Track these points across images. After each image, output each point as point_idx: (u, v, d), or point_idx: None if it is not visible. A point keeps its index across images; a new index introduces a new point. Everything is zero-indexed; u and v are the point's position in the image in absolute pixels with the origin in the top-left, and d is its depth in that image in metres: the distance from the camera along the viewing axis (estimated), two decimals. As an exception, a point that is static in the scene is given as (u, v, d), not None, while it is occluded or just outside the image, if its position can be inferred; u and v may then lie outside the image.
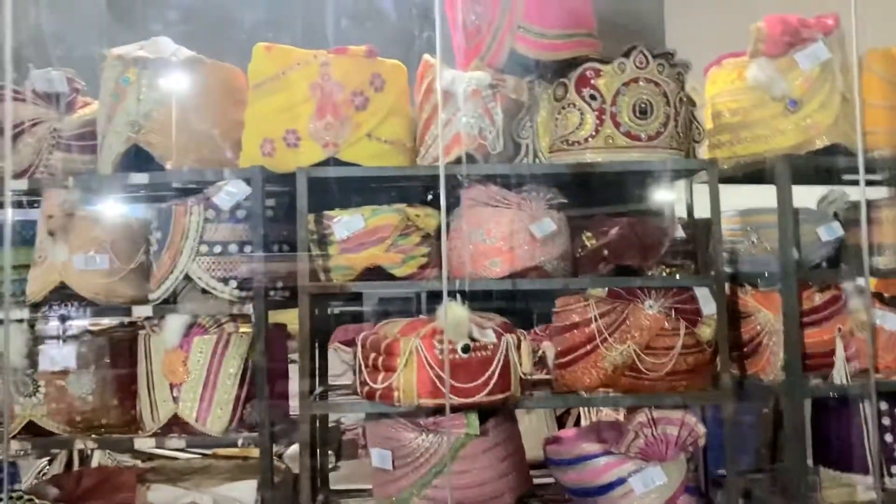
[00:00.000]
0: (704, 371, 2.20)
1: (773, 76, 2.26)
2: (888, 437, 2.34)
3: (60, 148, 2.31)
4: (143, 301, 2.21)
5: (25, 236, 2.29)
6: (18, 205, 2.32)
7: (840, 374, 2.24)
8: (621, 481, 2.04)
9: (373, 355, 2.08)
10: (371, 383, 2.07)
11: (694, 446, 2.10)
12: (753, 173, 2.33)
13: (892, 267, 2.30)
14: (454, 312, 1.98)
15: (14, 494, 2.10)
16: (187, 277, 2.13)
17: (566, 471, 2.17)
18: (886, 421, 2.36)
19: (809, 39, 2.26)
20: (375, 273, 2.17)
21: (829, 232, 2.31)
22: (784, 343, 2.22)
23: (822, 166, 2.30)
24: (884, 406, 2.34)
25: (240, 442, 2.14)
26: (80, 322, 2.26)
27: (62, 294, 2.18)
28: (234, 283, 2.13)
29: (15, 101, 2.27)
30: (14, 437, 2.18)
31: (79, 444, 2.22)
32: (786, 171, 2.20)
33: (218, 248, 2.13)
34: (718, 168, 2.27)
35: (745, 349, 2.33)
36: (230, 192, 2.12)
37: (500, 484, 2.15)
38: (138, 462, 2.55)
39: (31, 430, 2.17)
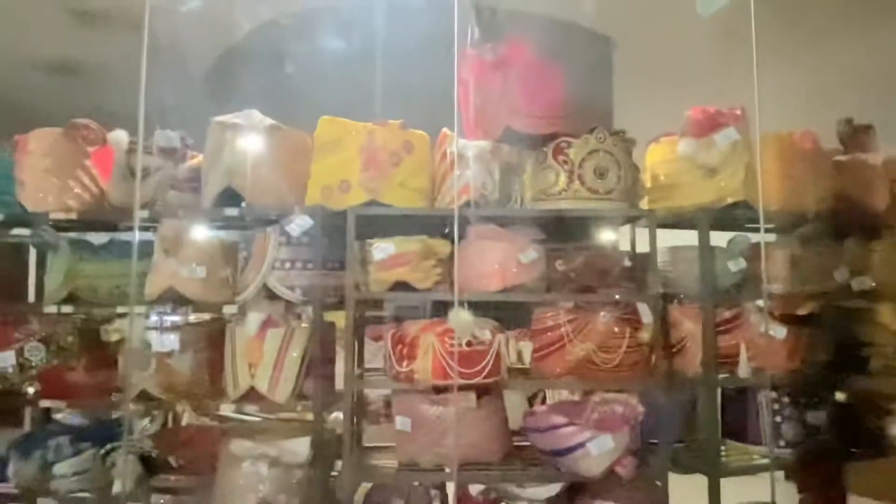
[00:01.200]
0: (643, 365, 2.23)
1: (697, 151, 2.35)
2: (777, 418, 2.43)
3: (174, 188, 2.37)
4: (229, 302, 2.29)
5: (146, 251, 2.33)
6: (143, 229, 2.37)
7: (743, 370, 2.30)
8: (581, 445, 2.06)
9: (399, 347, 2.14)
10: (398, 367, 2.12)
11: (634, 421, 2.12)
12: (681, 221, 2.42)
13: (780, 292, 2.36)
14: (461, 317, 2.07)
15: (131, 445, 2.18)
16: (265, 286, 2.21)
17: (539, 436, 2.20)
18: (776, 406, 2.45)
19: (723, 125, 2.34)
20: (402, 286, 2.21)
21: (736, 265, 2.37)
22: (702, 346, 2.28)
23: (731, 217, 2.38)
24: (773, 395, 2.42)
25: (298, 408, 2.19)
26: (183, 316, 2.32)
27: (171, 294, 2.22)
28: (299, 291, 2.20)
29: (143, 153, 2.34)
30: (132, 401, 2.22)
31: (179, 408, 2.28)
32: (705, 220, 2.31)
33: (288, 265, 2.21)
34: (655, 216, 2.33)
35: (673, 350, 2.37)
36: (298, 224, 2.19)
37: (490, 444, 2.20)
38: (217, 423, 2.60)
39: (143, 396, 2.21)
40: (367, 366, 2.58)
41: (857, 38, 3.18)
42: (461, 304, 2.09)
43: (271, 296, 2.24)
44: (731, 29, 2.11)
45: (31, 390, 2.24)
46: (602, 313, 2.23)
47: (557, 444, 2.14)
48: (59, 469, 2.26)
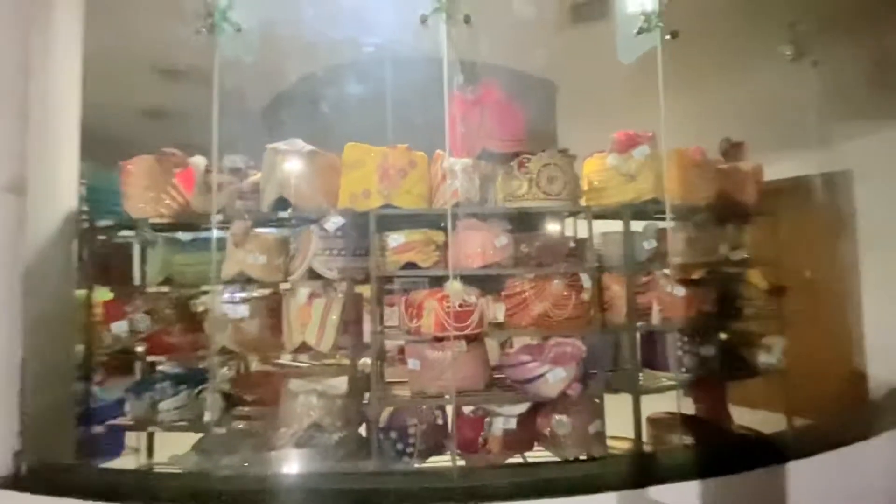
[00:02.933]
0: (584, 317, 2.23)
1: (620, 163, 2.34)
2: (679, 352, 2.44)
3: (240, 198, 2.31)
4: (283, 280, 2.22)
5: (220, 245, 2.30)
6: (218, 229, 2.32)
7: (654, 319, 2.32)
8: (541, 376, 2.09)
9: (409, 309, 2.13)
10: (409, 324, 2.12)
11: (579, 357, 2.14)
12: (609, 214, 2.40)
13: (679, 263, 2.38)
14: (455, 286, 2.05)
15: (216, 386, 2.14)
16: (310, 268, 2.17)
17: (511, 370, 2.21)
18: (678, 343, 2.46)
19: (639, 143, 2.33)
20: (410, 265, 2.19)
21: (649, 244, 2.38)
22: (626, 303, 2.29)
23: (645, 210, 2.36)
24: (676, 335, 2.44)
25: (338, 355, 2.17)
26: (250, 292, 2.27)
27: (241, 276, 2.18)
28: (335, 271, 2.17)
29: (217, 172, 2.30)
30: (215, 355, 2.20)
31: (249, 358, 2.24)
32: (627, 213, 2.30)
33: (326, 252, 2.16)
34: (591, 211, 2.31)
35: (605, 306, 2.37)
36: (334, 222, 2.16)
37: (476, 377, 2.20)
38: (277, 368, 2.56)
39: (223, 351, 2.18)
40: (386, 324, 2.54)
41: (735, 76, 3.19)
42: (455, 277, 2.06)
43: (314, 275, 2.20)
44: (645, 70, 2.09)
45: (140, 349, 2.18)
46: (555, 281, 2.22)
47: (524, 375, 2.15)
48: (163, 406, 2.22)
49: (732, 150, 2.63)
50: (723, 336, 2.51)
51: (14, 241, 2.02)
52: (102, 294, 2.36)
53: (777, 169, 2.86)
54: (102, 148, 2.42)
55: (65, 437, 2.19)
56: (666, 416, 2.43)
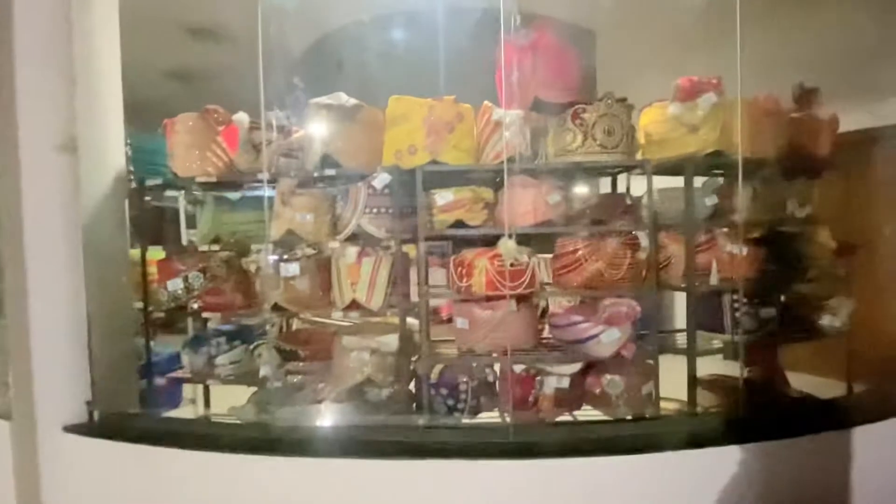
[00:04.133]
0: (640, 277, 2.15)
1: (683, 112, 2.18)
2: (737, 313, 2.35)
3: (285, 156, 2.26)
4: (332, 239, 2.18)
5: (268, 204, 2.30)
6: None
7: (713, 279, 2.23)
8: (595, 336, 2.05)
9: (459, 268, 2.08)
10: (459, 283, 2.08)
11: (634, 318, 2.07)
12: (669, 168, 2.26)
13: (740, 220, 2.23)
14: (508, 245, 1.99)
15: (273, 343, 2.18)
16: (358, 226, 2.13)
17: (561, 330, 2.17)
18: (736, 304, 2.36)
19: (704, 91, 2.16)
20: (459, 224, 2.14)
21: (710, 200, 2.27)
22: (684, 262, 2.21)
23: (706, 164, 2.21)
24: (735, 296, 2.34)
25: (388, 313, 2.15)
26: (300, 250, 2.26)
27: (290, 235, 2.16)
28: (384, 229, 2.12)
29: (258, 130, 2.25)
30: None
31: (302, 315, 2.26)
32: (691, 167, 2.17)
33: (375, 210, 2.11)
34: (651, 165, 2.17)
35: (662, 266, 2.28)
36: (381, 179, 2.10)
37: (525, 336, 2.16)
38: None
39: (275, 308, 2.19)
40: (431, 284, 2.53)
41: (805, 20, 2.88)
42: (508, 235, 1.99)
43: (362, 233, 2.16)
44: (695, 15, 1.90)
45: (195, 306, 2.23)
46: (610, 240, 2.11)
47: (577, 335, 2.10)
48: (219, 360, 2.29)
49: (806, 97, 2.40)
50: (784, 297, 2.39)
51: (72, 200, 2.06)
52: (155, 253, 2.41)
53: (851, 119, 2.61)
54: (132, 110, 2.38)
55: (129, 389, 2.30)
56: (718, 377, 2.37)
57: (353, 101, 2.16)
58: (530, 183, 2.14)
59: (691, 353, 2.17)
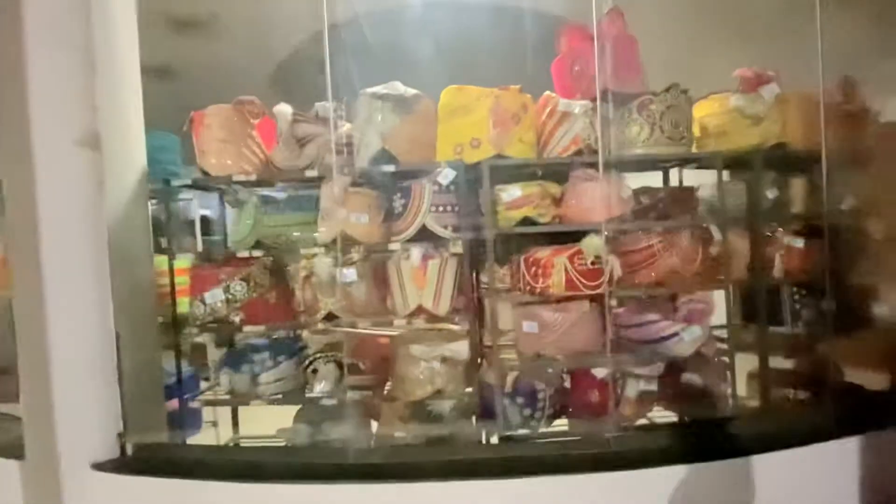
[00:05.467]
0: (713, 272, 2.09)
1: (747, 103, 2.15)
2: (796, 306, 2.33)
3: (333, 151, 2.08)
4: (391, 241, 2.01)
5: (308, 205, 2.09)
6: (306, 186, 2.13)
7: (777, 272, 2.18)
8: (676, 335, 1.97)
9: (533, 268, 1.97)
10: (533, 284, 1.96)
11: (711, 314, 2.03)
12: (728, 161, 2.17)
13: (798, 213, 2.24)
14: (594, 242, 1.88)
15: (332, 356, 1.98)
16: (423, 226, 1.97)
17: (634, 330, 2.08)
18: (796, 297, 2.34)
19: (767, 82, 2.14)
20: (527, 221, 2.01)
21: (771, 193, 2.22)
22: (751, 256, 2.15)
23: (772, 156, 2.16)
24: (794, 290, 2.31)
25: (456, 319, 2.01)
26: (355, 254, 2.06)
27: (343, 237, 1.97)
28: (449, 228, 1.98)
29: (304, 123, 2.06)
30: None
31: (361, 324, 2.07)
32: (759, 159, 2.12)
33: (440, 208, 1.97)
34: (721, 157, 2.08)
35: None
36: (446, 175, 1.95)
37: (597, 337, 2.03)
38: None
39: (328, 318, 2.04)
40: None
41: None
42: (595, 233, 1.89)
43: (425, 234, 2.00)
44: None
45: (236, 319, 2.00)
46: (683, 233, 2.04)
47: (653, 334, 2.03)
48: (263, 378, 2.06)
49: (852, 89, 2.42)
50: (838, 289, 2.38)
51: (96, 202, 1.79)
52: (180, 261, 2.15)
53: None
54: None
55: (158, 416, 2.04)
56: (776, 371, 2.33)
57: (411, 91, 2.01)
58: (597, 176, 2.03)
59: (763, 349, 2.12)
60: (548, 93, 2.12)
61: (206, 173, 2.09)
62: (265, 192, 2.17)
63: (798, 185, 2.24)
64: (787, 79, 2.19)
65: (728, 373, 2.06)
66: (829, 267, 2.26)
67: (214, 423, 2.63)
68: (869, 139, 2.39)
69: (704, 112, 2.31)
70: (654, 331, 2.02)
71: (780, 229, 2.24)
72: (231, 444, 2.33)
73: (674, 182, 2.39)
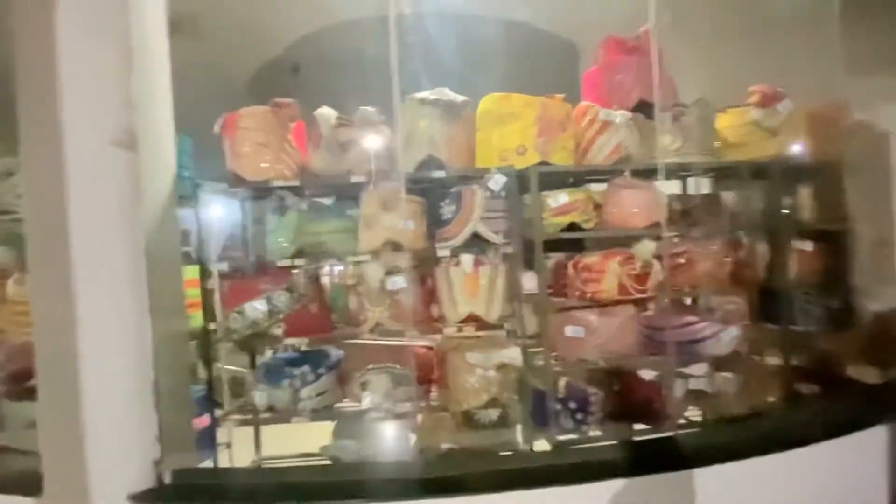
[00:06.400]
0: (743, 276, 2.17)
1: (764, 117, 2.28)
2: (808, 306, 2.45)
3: (374, 157, 2.02)
4: (439, 247, 1.97)
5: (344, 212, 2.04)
6: (343, 193, 2.06)
7: (791, 275, 2.31)
8: (714, 335, 2.03)
9: (584, 273, 2.00)
10: (583, 288, 2.00)
11: (744, 315, 2.12)
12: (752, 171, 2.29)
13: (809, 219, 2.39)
14: (647, 246, 1.93)
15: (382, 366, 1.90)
16: (475, 233, 1.95)
17: (672, 332, 2.08)
18: (804, 297, 2.48)
19: (779, 98, 2.28)
20: (573, 227, 2.05)
21: (786, 201, 2.35)
22: (771, 260, 2.27)
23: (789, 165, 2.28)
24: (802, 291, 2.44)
25: (506, 325, 1.98)
26: (403, 261, 2.00)
27: (390, 245, 1.93)
28: (500, 234, 1.98)
29: (346, 127, 2.01)
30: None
31: (410, 334, 2.00)
32: (777, 169, 2.25)
33: (491, 214, 1.96)
34: (747, 167, 2.21)
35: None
36: (497, 181, 1.95)
37: (634, 340, 2.09)
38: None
39: (375, 330, 1.96)
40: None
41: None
42: (649, 238, 1.94)
43: (475, 240, 1.99)
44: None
45: (278, 331, 1.89)
46: (717, 240, 2.14)
47: (692, 335, 2.08)
48: (304, 393, 1.95)
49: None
50: (839, 289, 2.56)
51: (132, 209, 1.65)
52: (192, 271, 2.00)
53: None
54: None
55: (188, 439, 1.88)
56: (794, 368, 2.46)
57: (460, 97, 1.99)
58: (636, 184, 2.11)
59: (787, 347, 2.24)
60: (586, 102, 2.17)
61: (237, 178, 1.98)
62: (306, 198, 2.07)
63: (809, 193, 2.39)
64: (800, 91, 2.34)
65: (762, 370, 2.16)
66: (836, 269, 2.45)
67: (228, 445, 2.46)
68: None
69: (724, 124, 2.44)
70: (693, 332, 2.08)
71: (794, 235, 2.39)
72: (265, 466, 2.17)
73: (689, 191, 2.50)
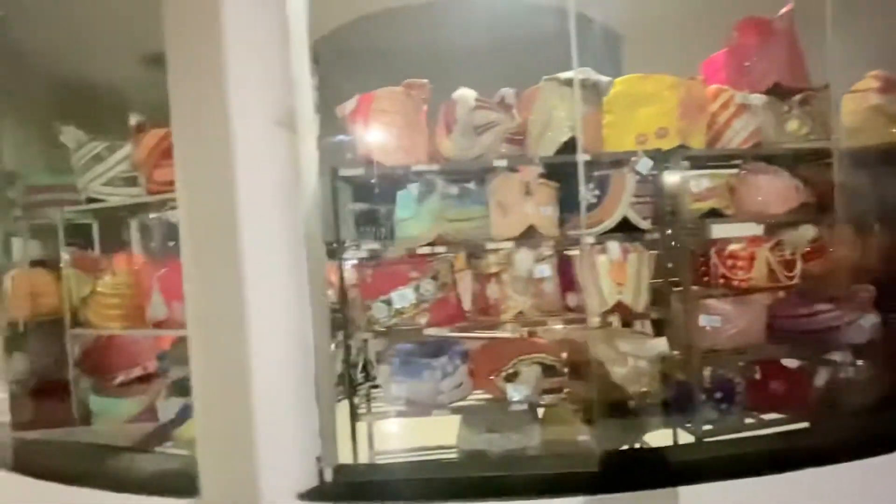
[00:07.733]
0: (868, 263, 2.11)
1: (887, 103, 2.24)
2: None
3: (508, 141, 1.97)
4: (575, 234, 1.90)
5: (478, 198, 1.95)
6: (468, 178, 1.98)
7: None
8: (854, 322, 1.99)
9: (730, 260, 1.96)
10: (730, 276, 1.95)
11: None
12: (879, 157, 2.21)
13: None
14: (803, 233, 1.89)
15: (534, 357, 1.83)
16: (624, 218, 1.89)
17: (803, 320, 2.05)
18: None
19: (901, 84, 2.28)
20: (713, 213, 2.00)
21: None
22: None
23: None
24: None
25: (652, 314, 1.95)
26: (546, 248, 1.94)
27: (530, 231, 1.86)
28: (648, 220, 1.92)
29: (484, 109, 1.91)
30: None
31: (552, 323, 1.94)
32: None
33: (639, 199, 1.91)
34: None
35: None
36: (645, 164, 1.88)
37: (764, 329, 2.07)
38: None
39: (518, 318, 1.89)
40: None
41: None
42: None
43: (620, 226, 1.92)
44: None
45: (422, 320, 1.81)
46: (845, 227, 2.10)
47: (827, 323, 2.04)
48: (444, 385, 1.88)
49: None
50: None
51: (293, 192, 1.55)
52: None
53: None
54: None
55: (334, 431, 1.80)
56: None
57: (604, 78, 1.92)
58: (768, 170, 2.07)
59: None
60: (718, 85, 2.11)
61: (370, 162, 1.88)
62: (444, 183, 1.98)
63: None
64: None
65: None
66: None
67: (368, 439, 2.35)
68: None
69: (844, 108, 2.39)
70: (828, 319, 2.05)
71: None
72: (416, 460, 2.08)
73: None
